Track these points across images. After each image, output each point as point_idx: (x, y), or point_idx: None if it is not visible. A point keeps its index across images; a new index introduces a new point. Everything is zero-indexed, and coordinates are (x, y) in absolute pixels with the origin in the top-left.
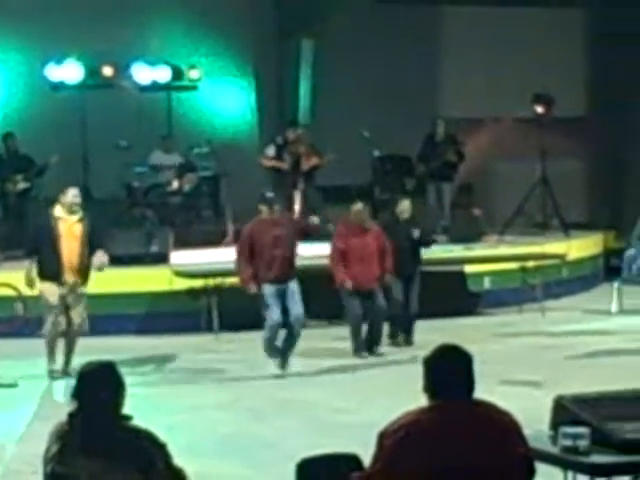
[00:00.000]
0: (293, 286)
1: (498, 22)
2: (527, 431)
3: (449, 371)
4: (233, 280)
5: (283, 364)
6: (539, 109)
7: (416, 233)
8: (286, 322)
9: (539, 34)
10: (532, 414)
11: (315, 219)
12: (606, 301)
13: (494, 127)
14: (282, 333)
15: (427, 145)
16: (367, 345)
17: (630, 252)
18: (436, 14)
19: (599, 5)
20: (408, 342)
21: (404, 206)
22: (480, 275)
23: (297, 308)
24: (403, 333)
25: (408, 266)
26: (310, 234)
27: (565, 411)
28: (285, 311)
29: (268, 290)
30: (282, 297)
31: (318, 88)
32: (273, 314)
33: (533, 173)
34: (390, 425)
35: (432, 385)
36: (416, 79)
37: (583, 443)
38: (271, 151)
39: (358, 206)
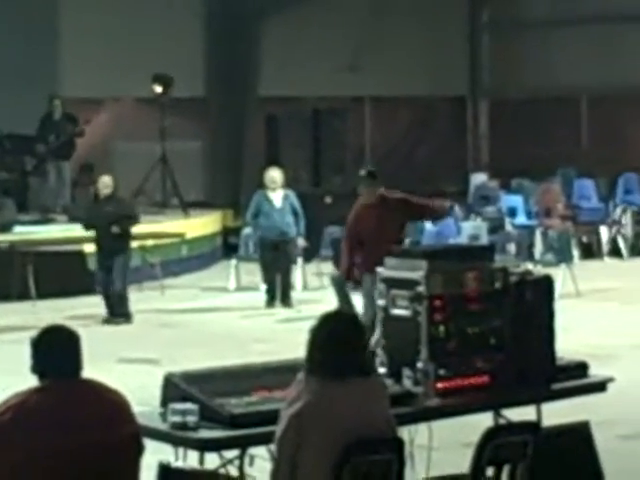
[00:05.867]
0: None
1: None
2: (142, 409)
3: (55, 351)
4: None
5: None
6: (158, 89)
7: (115, 229)
8: None
9: (157, 14)
10: (149, 392)
11: None
12: (224, 278)
13: (114, 107)
14: None
15: (45, 124)
16: None
17: (247, 230)
18: None
19: None
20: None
21: (105, 181)
22: None
23: None
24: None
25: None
26: None
27: (175, 388)
28: None
29: None
30: None
31: None
32: None
33: (153, 153)
34: None
35: (39, 365)
36: (37, 57)
37: (192, 419)
38: None
39: None
